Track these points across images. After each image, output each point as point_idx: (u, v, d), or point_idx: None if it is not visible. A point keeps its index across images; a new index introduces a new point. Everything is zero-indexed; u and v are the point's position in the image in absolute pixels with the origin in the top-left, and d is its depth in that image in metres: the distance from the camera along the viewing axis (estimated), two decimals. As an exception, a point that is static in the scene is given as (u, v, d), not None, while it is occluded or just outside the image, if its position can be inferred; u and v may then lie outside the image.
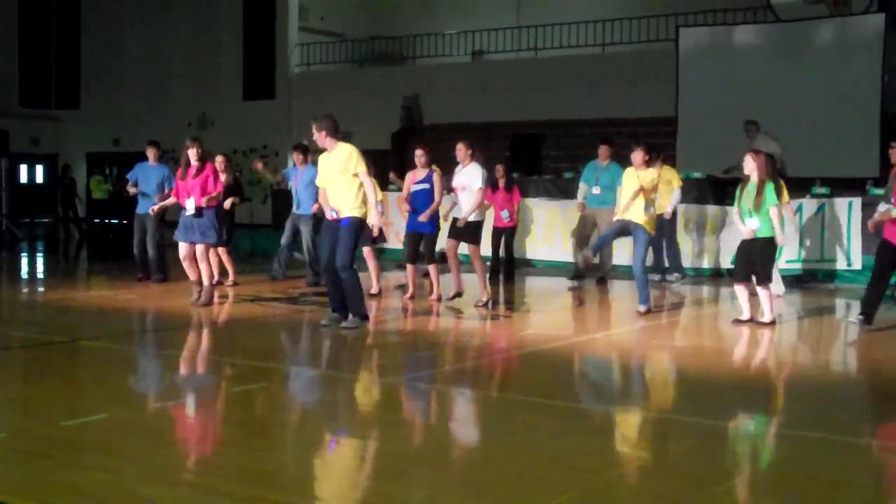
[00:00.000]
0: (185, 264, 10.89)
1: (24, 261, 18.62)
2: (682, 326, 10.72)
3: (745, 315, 9.98)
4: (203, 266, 10.81)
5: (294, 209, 12.76)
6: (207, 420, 6.46)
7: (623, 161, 12.72)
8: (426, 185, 11.08)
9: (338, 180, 9.26)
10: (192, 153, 10.87)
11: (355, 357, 8.75)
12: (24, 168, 30.49)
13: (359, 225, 9.31)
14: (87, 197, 27.72)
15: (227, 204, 12.85)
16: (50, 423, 5.86)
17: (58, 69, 31.16)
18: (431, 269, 11.32)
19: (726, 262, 13.87)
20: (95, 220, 26.62)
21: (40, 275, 16.59)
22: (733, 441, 6.03)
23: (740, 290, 10.03)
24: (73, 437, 5.62)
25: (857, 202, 13.63)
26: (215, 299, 11.08)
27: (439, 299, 11.31)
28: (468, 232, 11.07)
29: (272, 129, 26.36)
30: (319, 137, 9.32)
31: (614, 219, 10.68)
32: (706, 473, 5.16)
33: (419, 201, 11.15)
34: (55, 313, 11.06)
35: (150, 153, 13.23)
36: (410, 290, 11.64)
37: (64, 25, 30.97)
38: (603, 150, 13.56)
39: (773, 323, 9.87)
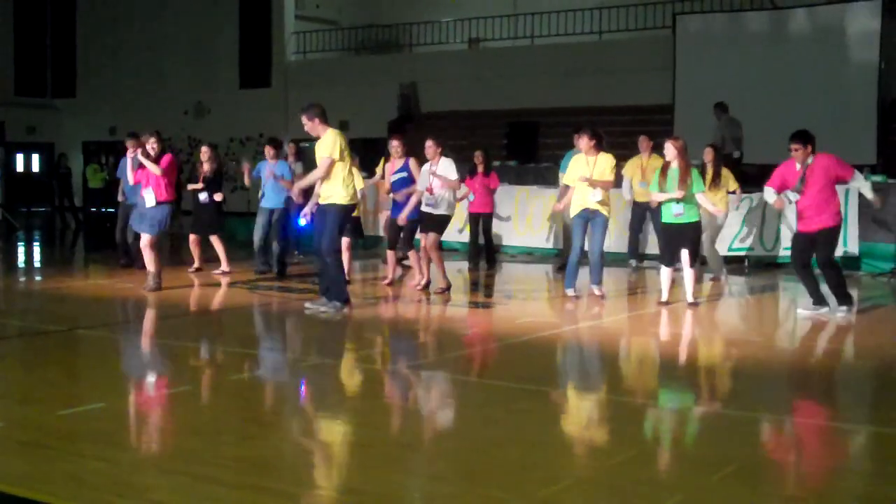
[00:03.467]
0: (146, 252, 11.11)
1: (21, 250, 18.60)
2: (670, 313, 10.71)
3: (666, 297, 10.31)
4: (148, 255, 10.99)
5: (261, 203, 12.79)
6: (204, 408, 6.46)
7: (616, 149, 12.80)
8: (404, 174, 11.31)
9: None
10: (150, 147, 11.05)
11: (348, 345, 8.75)
12: (20, 157, 30.43)
13: (343, 211, 9.55)
14: (83, 186, 27.67)
15: (204, 197, 12.85)
16: (47, 413, 5.86)
17: (53, 58, 31.08)
18: (412, 255, 11.39)
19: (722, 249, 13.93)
20: (91, 209, 26.56)
21: (37, 264, 16.57)
22: (731, 427, 6.04)
23: (667, 274, 10.32)
24: (70, 426, 5.62)
25: (854, 189, 13.63)
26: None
27: (426, 286, 11.28)
28: (434, 224, 10.99)
29: (268, 118, 26.31)
30: (313, 125, 9.44)
31: (572, 215, 10.78)
32: (703, 460, 5.16)
33: (399, 189, 11.34)
34: (52, 302, 11.06)
35: (130, 145, 13.21)
36: (389, 276, 11.84)
37: (59, 14, 30.89)
38: (578, 139, 13.59)
39: (696, 304, 10.27)
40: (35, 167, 31.00)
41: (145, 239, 11.01)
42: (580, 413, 6.33)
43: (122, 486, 4.60)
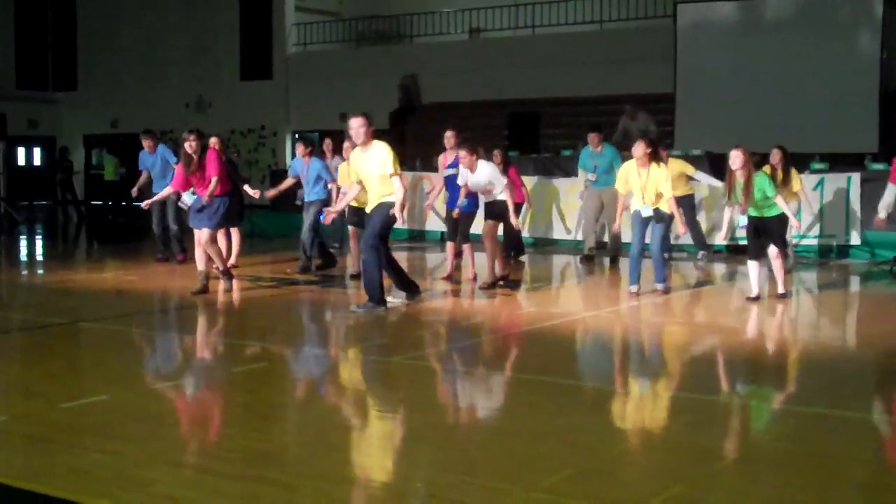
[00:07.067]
0: (198, 251, 10.60)
1: (23, 244, 18.61)
2: (691, 303, 10.70)
3: (756, 292, 9.97)
4: (212, 251, 10.53)
5: (306, 198, 12.42)
6: (208, 401, 6.47)
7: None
8: (456, 171, 10.90)
9: (374, 178, 9.21)
10: (188, 146, 10.47)
11: (357, 336, 8.74)
12: (21, 151, 30.43)
13: (389, 208, 9.29)
14: (85, 178, 27.66)
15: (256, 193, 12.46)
16: (50, 406, 5.88)
17: (55, 51, 31.04)
18: (466, 248, 11.10)
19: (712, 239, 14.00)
20: (97, 203, 26.54)
21: (39, 257, 16.58)
22: (734, 417, 6.04)
23: (754, 267, 10.00)
24: (73, 419, 5.63)
25: (855, 177, 13.64)
26: (234, 282, 10.87)
27: (475, 279, 11.13)
28: (490, 211, 10.80)
29: (269, 110, 26.31)
30: (368, 132, 9.18)
31: (631, 210, 10.37)
32: (707, 450, 5.16)
33: (452, 185, 11.02)
34: (55, 295, 11.06)
35: (146, 143, 13.12)
36: (449, 269, 11.46)
37: (60, 7, 30.83)
38: (593, 137, 13.44)
39: (786, 295, 10.06)
40: (36, 161, 30.99)
41: (205, 235, 10.41)
42: (587, 404, 6.32)
43: (125, 478, 4.61)
